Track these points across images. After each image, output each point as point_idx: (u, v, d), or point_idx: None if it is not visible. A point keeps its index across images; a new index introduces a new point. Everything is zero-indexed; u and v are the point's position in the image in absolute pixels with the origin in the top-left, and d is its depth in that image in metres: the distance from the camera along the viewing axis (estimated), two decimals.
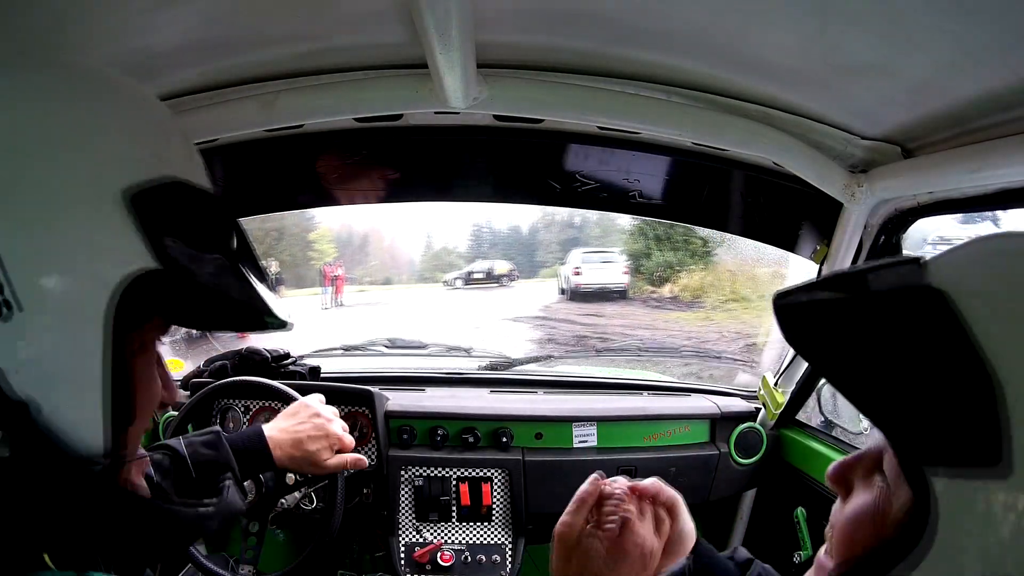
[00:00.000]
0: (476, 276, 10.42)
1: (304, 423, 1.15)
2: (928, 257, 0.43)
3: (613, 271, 9.31)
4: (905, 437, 0.40)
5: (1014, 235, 0.45)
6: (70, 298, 0.48)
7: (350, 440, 1.20)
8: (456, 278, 10.27)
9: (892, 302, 0.42)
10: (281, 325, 0.58)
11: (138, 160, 0.51)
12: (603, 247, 9.68)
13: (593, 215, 10.11)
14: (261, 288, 0.58)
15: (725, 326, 7.45)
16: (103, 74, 0.56)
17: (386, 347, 2.00)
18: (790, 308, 0.46)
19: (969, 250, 0.44)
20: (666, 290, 8.86)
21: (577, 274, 9.33)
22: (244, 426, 1.60)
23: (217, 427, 1.03)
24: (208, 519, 0.60)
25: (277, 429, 1.11)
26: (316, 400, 1.22)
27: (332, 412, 1.21)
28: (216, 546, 1.62)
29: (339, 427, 1.19)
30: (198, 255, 0.52)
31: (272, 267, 7.99)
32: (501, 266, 10.46)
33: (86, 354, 0.49)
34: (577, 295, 9.26)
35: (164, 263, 0.50)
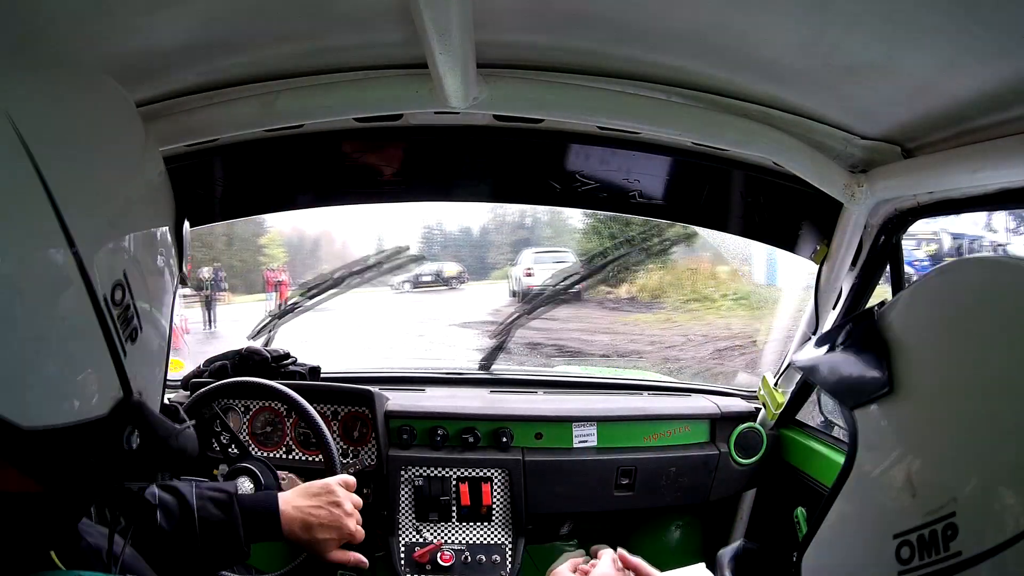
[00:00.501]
0: (424, 279, 9.75)
1: (321, 509, 1.11)
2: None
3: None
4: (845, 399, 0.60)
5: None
6: (164, 311, 0.59)
7: (361, 534, 1.16)
8: (404, 281, 9.54)
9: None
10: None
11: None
12: (556, 247, 9.18)
13: (544, 215, 9.77)
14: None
15: (688, 328, 7.30)
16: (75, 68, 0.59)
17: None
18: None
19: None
20: (623, 291, 8.49)
21: (529, 275, 8.70)
22: (244, 426, 1.60)
23: (233, 488, 1.03)
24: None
25: (292, 505, 1.08)
26: (342, 486, 1.16)
27: (353, 503, 1.16)
28: None
29: (354, 523, 1.14)
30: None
31: (212, 273, 8.04)
32: (450, 268, 9.88)
33: (164, 346, 0.60)
34: (529, 298, 8.67)
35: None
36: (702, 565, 1.20)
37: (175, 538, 0.93)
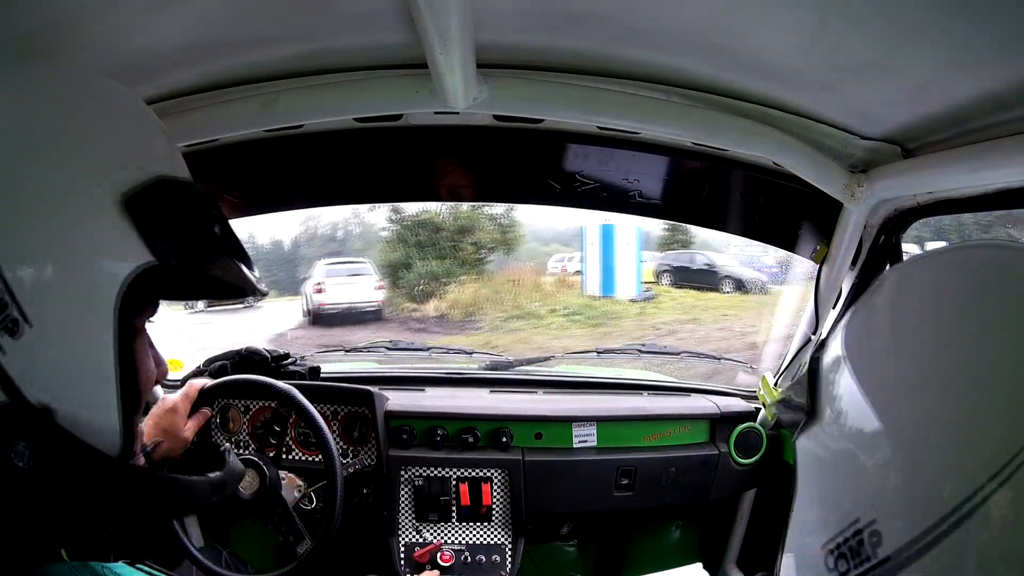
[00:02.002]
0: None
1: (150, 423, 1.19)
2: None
3: (364, 286, 7.34)
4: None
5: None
6: (79, 305, 0.50)
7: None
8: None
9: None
10: (262, 293, 0.64)
11: (128, 162, 0.53)
12: (352, 257, 7.96)
13: (357, 227, 8.43)
14: (243, 266, 0.61)
15: (514, 350, 5.76)
16: (86, 78, 0.56)
17: (388, 348, 2.00)
18: None
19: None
20: (431, 307, 7.04)
21: (319, 291, 7.37)
22: (244, 426, 1.60)
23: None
24: (218, 486, 0.65)
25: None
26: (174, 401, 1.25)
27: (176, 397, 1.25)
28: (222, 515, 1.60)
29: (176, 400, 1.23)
30: (189, 246, 0.55)
31: None
32: None
33: (99, 352, 0.51)
34: (321, 318, 7.17)
35: (160, 258, 0.53)
36: (699, 565, 1.21)
37: None
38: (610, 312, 6.80)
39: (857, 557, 0.50)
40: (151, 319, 0.59)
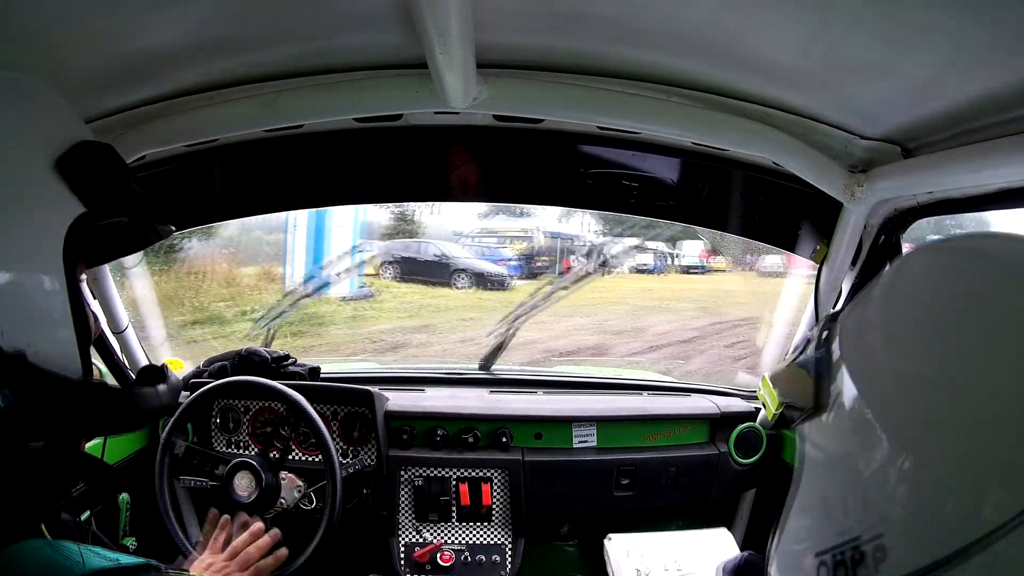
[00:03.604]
0: None
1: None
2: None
3: None
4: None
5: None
6: (34, 258, 0.59)
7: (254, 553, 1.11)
8: None
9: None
10: (168, 232, 0.76)
11: (53, 138, 0.63)
12: None
13: None
14: (155, 206, 0.71)
15: None
16: (8, 79, 0.65)
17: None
18: None
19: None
20: None
21: None
22: (244, 427, 1.60)
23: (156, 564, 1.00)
24: (161, 396, 0.73)
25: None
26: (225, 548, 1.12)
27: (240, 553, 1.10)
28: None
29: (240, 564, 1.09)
30: (110, 193, 0.66)
31: None
32: None
33: (55, 297, 0.60)
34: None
35: (88, 205, 0.63)
36: (723, 529, 1.21)
37: None
38: (314, 316, 5.39)
39: (856, 568, 0.47)
40: (82, 272, 0.67)
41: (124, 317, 1.52)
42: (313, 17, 0.89)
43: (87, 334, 0.64)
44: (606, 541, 1.33)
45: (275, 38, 0.96)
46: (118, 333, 1.51)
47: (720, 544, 1.34)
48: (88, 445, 0.73)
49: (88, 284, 1.37)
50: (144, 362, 1.61)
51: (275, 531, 1.13)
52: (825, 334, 0.57)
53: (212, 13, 0.84)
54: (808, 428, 0.56)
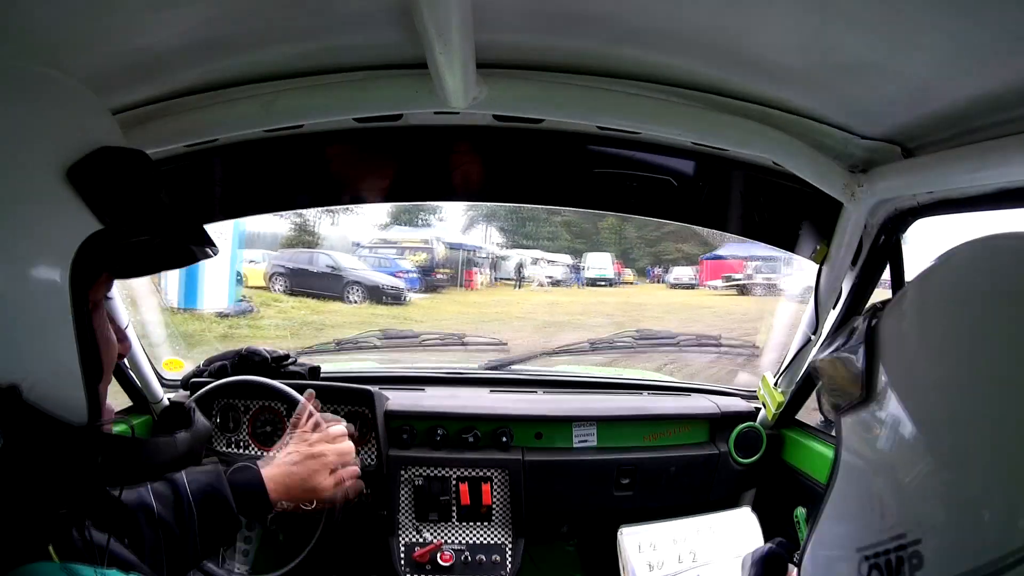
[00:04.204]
0: None
1: (297, 466, 1.13)
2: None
3: None
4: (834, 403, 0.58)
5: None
6: (34, 280, 0.52)
7: (329, 487, 1.15)
8: None
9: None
10: (215, 251, 0.66)
11: (68, 139, 0.55)
12: None
13: None
14: (188, 223, 0.64)
15: None
16: (20, 71, 0.59)
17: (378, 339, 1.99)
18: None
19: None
20: None
21: None
22: (244, 426, 1.60)
23: (218, 465, 1.04)
24: (185, 444, 0.65)
25: (273, 473, 1.10)
26: (326, 439, 1.17)
27: (338, 452, 1.17)
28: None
29: (327, 475, 1.15)
30: (134, 209, 0.57)
31: None
32: None
33: (58, 324, 0.53)
34: None
35: (105, 222, 0.55)
36: (747, 508, 1.20)
37: (175, 524, 0.95)
38: (183, 334, 5.14)
39: (891, 571, 0.46)
40: (108, 293, 0.61)
41: (124, 317, 1.52)
42: (313, 17, 0.89)
43: (98, 370, 0.56)
44: (619, 534, 1.32)
45: (275, 38, 0.96)
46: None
47: (740, 530, 1.31)
48: None
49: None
50: (144, 362, 1.61)
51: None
52: (868, 325, 0.54)
53: (212, 13, 0.84)
54: (849, 423, 0.54)
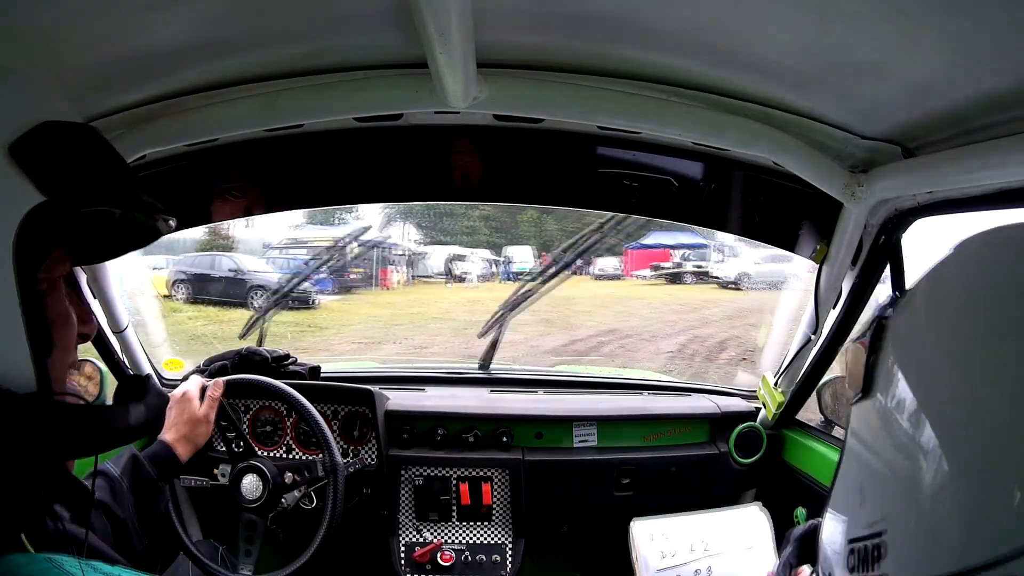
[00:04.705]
0: None
1: (182, 421, 1.31)
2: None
3: None
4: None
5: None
6: None
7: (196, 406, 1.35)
8: None
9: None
10: (168, 223, 0.66)
11: (8, 121, 0.55)
12: None
13: None
14: (142, 197, 0.63)
15: None
16: None
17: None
18: None
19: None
20: None
21: None
22: (244, 426, 1.60)
23: (131, 446, 1.17)
24: (133, 416, 0.65)
25: (174, 437, 1.28)
26: (187, 393, 1.37)
27: (194, 393, 1.37)
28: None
29: (196, 405, 1.35)
30: (80, 182, 0.58)
31: None
32: None
33: (3, 296, 0.53)
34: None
35: (49, 194, 0.55)
36: (758, 504, 1.20)
37: (115, 507, 1.08)
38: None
39: (865, 563, 0.46)
40: (65, 273, 0.61)
41: (124, 317, 1.52)
42: (313, 17, 0.89)
43: (47, 345, 0.57)
44: (631, 525, 1.32)
45: (275, 38, 0.96)
46: (118, 333, 1.51)
47: (750, 524, 1.32)
48: None
49: (88, 284, 1.38)
50: (144, 362, 1.61)
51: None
52: (880, 317, 0.54)
53: (212, 13, 0.84)
54: (856, 412, 0.55)
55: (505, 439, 1.58)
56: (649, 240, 8.09)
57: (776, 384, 1.58)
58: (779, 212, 1.38)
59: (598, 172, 1.35)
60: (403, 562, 1.54)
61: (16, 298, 0.53)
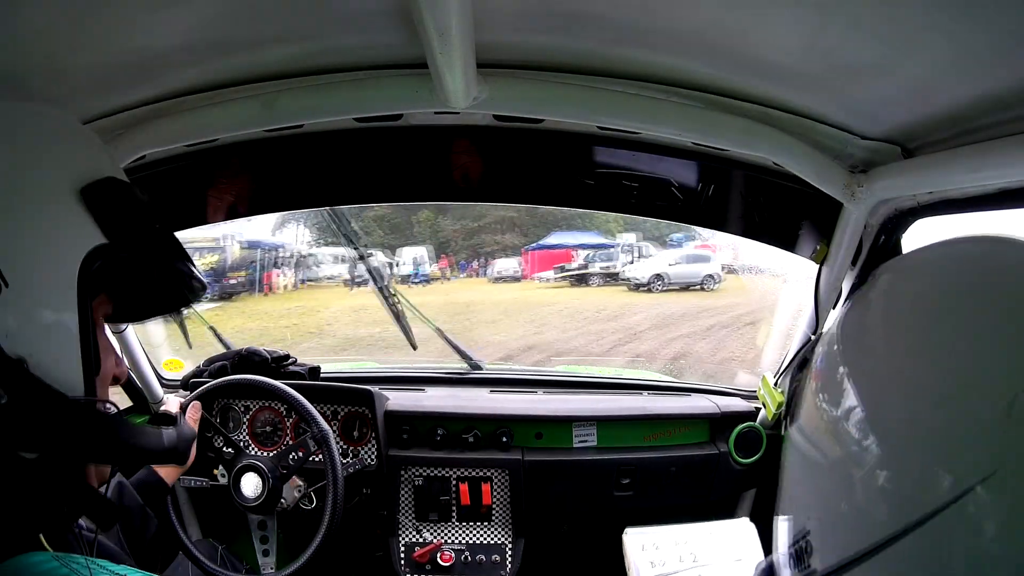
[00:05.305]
0: None
1: None
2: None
3: None
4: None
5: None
6: (48, 273, 0.61)
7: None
8: None
9: None
10: (203, 288, 0.75)
11: (82, 166, 0.66)
12: None
13: None
14: (187, 259, 0.73)
15: None
16: (41, 115, 0.68)
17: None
18: None
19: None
20: None
21: None
22: (244, 426, 1.60)
23: (120, 478, 1.19)
24: (170, 439, 0.74)
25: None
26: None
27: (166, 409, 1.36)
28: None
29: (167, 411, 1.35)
30: (135, 233, 0.67)
31: None
32: None
33: (64, 315, 0.61)
34: None
35: (110, 237, 0.65)
36: (746, 519, 1.22)
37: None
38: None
39: (801, 562, 0.50)
40: (107, 313, 0.69)
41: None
42: (313, 17, 0.89)
43: (96, 364, 0.64)
44: (624, 535, 1.34)
45: (275, 38, 0.96)
46: (118, 333, 1.51)
47: (739, 537, 1.33)
48: None
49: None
50: (144, 362, 1.61)
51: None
52: (805, 356, 0.61)
53: (212, 13, 0.84)
54: (791, 424, 0.60)
55: (505, 439, 1.58)
56: (551, 240, 7.55)
57: (776, 384, 1.58)
58: (779, 212, 1.38)
59: (598, 172, 1.35)
60: (403, 562, 1.54)
61: (76, 319, 0.61)
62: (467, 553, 1.54)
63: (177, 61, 0.96)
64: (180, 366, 1.78)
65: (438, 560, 1.52)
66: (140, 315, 0.79)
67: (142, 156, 1.12)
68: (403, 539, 1.56)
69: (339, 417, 1.61)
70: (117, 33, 0.83)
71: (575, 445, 1.61)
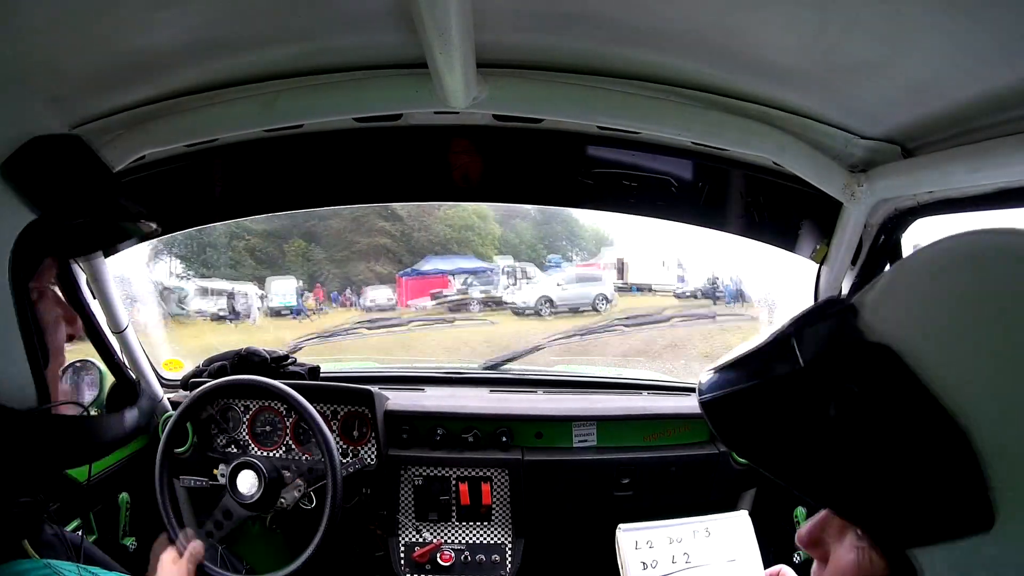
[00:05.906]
0: None
1: None
2: (856, 300, 0.40)
3: None
4: (882, 524, 0.37)
5: (937, 250, 0.41)
6: None
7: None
8: None
9: (833, 371, 0.38)
10: (153, 232, 0.70)
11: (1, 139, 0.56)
12: None
13: None
14: (127, 204, 0.66)
15: None
16: None
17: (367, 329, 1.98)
18: (718, 404, 0.43)
19: (897, 282, 0.41)
20: None
21: None
22: (243, 426, 1.60)
23: None
24: (127, 422, 0.68)
25: None
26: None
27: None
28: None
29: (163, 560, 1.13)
30: (70, 194, 0.59)
31: None
32: None
33: (1, 316, 0.54)
34: None
35: (42, 210, 0.56)
36: (744, 512, 1.22)
37: None
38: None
39: None
40: (52, 280, 0.62)
41: (124, 317, 1.52)
42: (313, 17, 0.89)
43: (44, 355, 0.58)
44: (617, 531, 1.33)
45: (275, 38, 0.96)
46: (118, 333, 1.51)
47: (736, 534, 1.33)
48: None
49: (87, 284, 1.38)
50: (144, 362, 1.61)
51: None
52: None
53: (212, 13, 0.84)
54: None
55: (505, 439, 1.58)
56: (425, 267, 7.07)
57: None
58: (779, 212, 1.38)
59: (598, 172, 1.35)
60: (403, 562, 1.54)
61: (14, 315, 0.54)
62: (467, 553, 1.54)
63: (177, 61, 0.96)
64: (180, 366, 1.78)
65: (438, 560, 1.52)
66: (95, 249, 0.73)
67: (142, 156, 1.12)
68: (403, 539, 1.56)
69: (339, 417, 1.60)
70: (117, 33, 0.83)
71: (575, 445, 1.61)
